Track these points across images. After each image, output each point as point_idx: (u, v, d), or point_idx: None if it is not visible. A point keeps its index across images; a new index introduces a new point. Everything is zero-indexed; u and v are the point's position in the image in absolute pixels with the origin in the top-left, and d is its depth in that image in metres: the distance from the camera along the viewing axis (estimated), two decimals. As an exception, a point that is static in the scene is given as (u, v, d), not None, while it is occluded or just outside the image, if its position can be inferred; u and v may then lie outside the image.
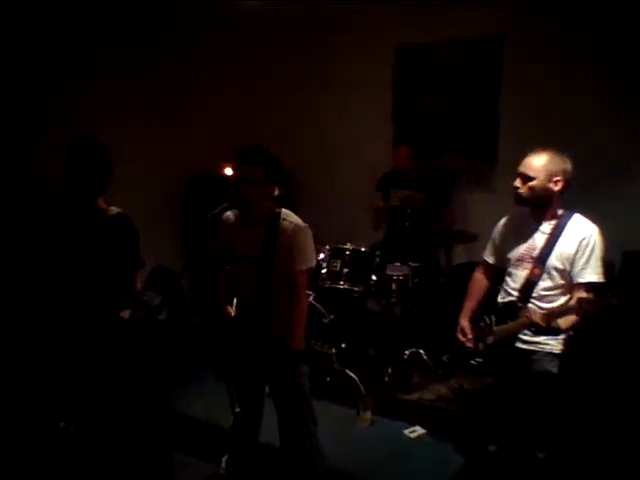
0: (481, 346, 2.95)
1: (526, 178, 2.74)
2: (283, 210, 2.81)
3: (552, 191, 2.73)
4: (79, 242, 2.86)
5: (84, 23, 4.49)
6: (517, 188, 2.79)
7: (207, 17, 5.23)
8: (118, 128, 4.60)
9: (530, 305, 2.80)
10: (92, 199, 2.89)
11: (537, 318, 2.64)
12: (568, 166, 2.74)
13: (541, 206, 2.79)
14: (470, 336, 3.00)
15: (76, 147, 2.84)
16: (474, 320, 3.02)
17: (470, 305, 3.08)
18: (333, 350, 4.20)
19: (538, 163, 2.72)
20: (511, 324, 2.82)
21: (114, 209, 2.95)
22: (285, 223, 2.75)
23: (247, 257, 2.77)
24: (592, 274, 2.67)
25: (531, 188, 2.73)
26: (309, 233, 2.80)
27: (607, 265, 2.76)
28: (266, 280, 2.73)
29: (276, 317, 2.78)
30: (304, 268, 2.78)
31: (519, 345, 2.85)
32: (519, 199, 2.81)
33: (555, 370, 2.79)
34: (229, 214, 2.87)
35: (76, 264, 2.86)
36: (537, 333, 2.73)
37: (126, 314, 2.96)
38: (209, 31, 5.35)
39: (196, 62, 5.41)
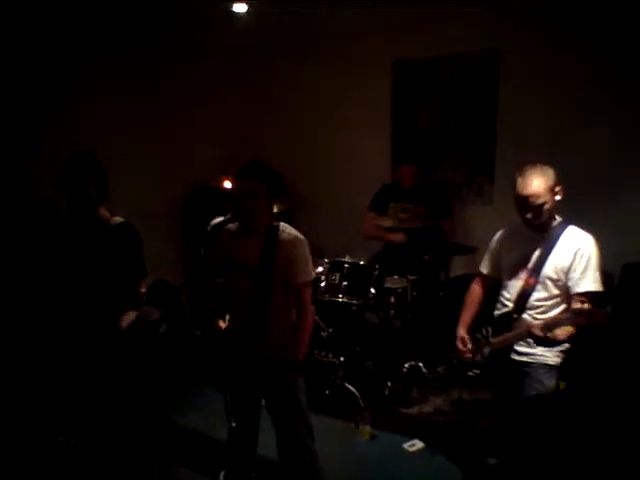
0: (479, 357, 2.95)
1: (537, 207, 2.68)
2: (281, 223, 2.83)
3: (556, 202, 2.72)
4: (82, 254, 2.87)
5: (84, 35, 4.53)
6: (532, 220, 2.72)
7: (206, 34, 5.27)
8: (118, 141, 4.63)
9: (525, 316, 2.80)
10: (94, 210, 2.91)
11: (536, 330, 2.62)
12: (554, 171, 2.71)
13: (549, 221, 2.78)
14: (470, 345, 2.99)
15: (74, 168, 2.86)
16: (472, 332, 3.02)
17: (467, 316, 3.08)
18: (341, 359, 4.22)
19: (539, 187, 2.65)
20: (507, 335, 2.82)
21: (117, 219, 2.97)
22: (284, 235, 2.77)
23: (245, 268, 2.78)
24: (590, 283, 2.66)
25: (545, 212, 2.69)
26: (307, 245, 2.82)
27: (606, 276, 2.75)
28: (264, 292, 2.74)
29: (273, 330, 2.78)
30: (308, 280, 2.81)
31: (514, 357, 2.85)
32: (540, 227, 2.77)
33: (550, 382, 2.78)
34: (229, 226, 2.88)
35: (80, 276, 2.87)
36: (536, 343, 2.72)
37: (131, 316, 2.96)
38: (211, 46, 5.39)
39: (196, 77, 5.44)
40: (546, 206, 2.68)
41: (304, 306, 2.80)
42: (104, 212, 2.97)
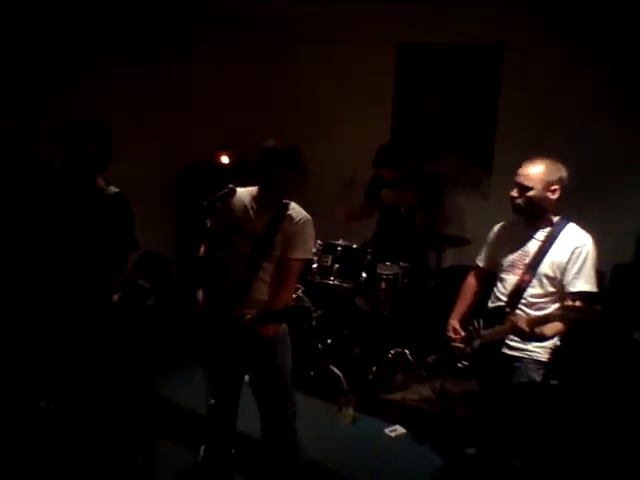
0: (468, 349, 2.95)
1: (524, 188, 2.73)
2: (292, 202, 2.89)
3: (549, 200, 2.74)
4: (75, 221, 2.83)
5: (86, 7, 4.47)
6: (514, 198, 2.78)
7: (208, 7, 5.21)
8: (118, 110, 4.57)
9: (518, 311, 2.80)
10: (92, 178, 2.87)
11: (522, 324, 2.64)
12: (564, 174, 2.75)
13: (538, 214, 2.79)
14: (462, 334, 2.98)
15: (76, 127, 2.80)
16: (464, 324, 3.02)
17: (461, 307, 3.09)
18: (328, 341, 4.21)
19: (535, 173, 2.71)
20: (497, 328, 2.82)
21: (112, 188, 2.92)
22: (293, 212, 2.85)
23: (250, 235, 2.82)
24: (584, 283, 2.67)
25: (529, 198, 2.73)
26: (312, 225, 2.88)
27: (597, 276, 2.76)
28: (260, 258, 2.79)
29: (254, 295, 2.81)
30: (302, 257, 2.85)
31: (505, 351, 2.85)
32: (517, 208, 2.81)
33: (539, 377, 2.80)
34: (243, 193, 2.89)
35: (71, 243, 2.83)
36: (523, 339, 2.74)
37: (115, 297, 2.93)
38: (211, 21, 5.33)
39: (197, 49, 5.37)
40: (531, 193, 2.71)
41: (287, 280, 2.83)
42: (100, 180, 2.92)
